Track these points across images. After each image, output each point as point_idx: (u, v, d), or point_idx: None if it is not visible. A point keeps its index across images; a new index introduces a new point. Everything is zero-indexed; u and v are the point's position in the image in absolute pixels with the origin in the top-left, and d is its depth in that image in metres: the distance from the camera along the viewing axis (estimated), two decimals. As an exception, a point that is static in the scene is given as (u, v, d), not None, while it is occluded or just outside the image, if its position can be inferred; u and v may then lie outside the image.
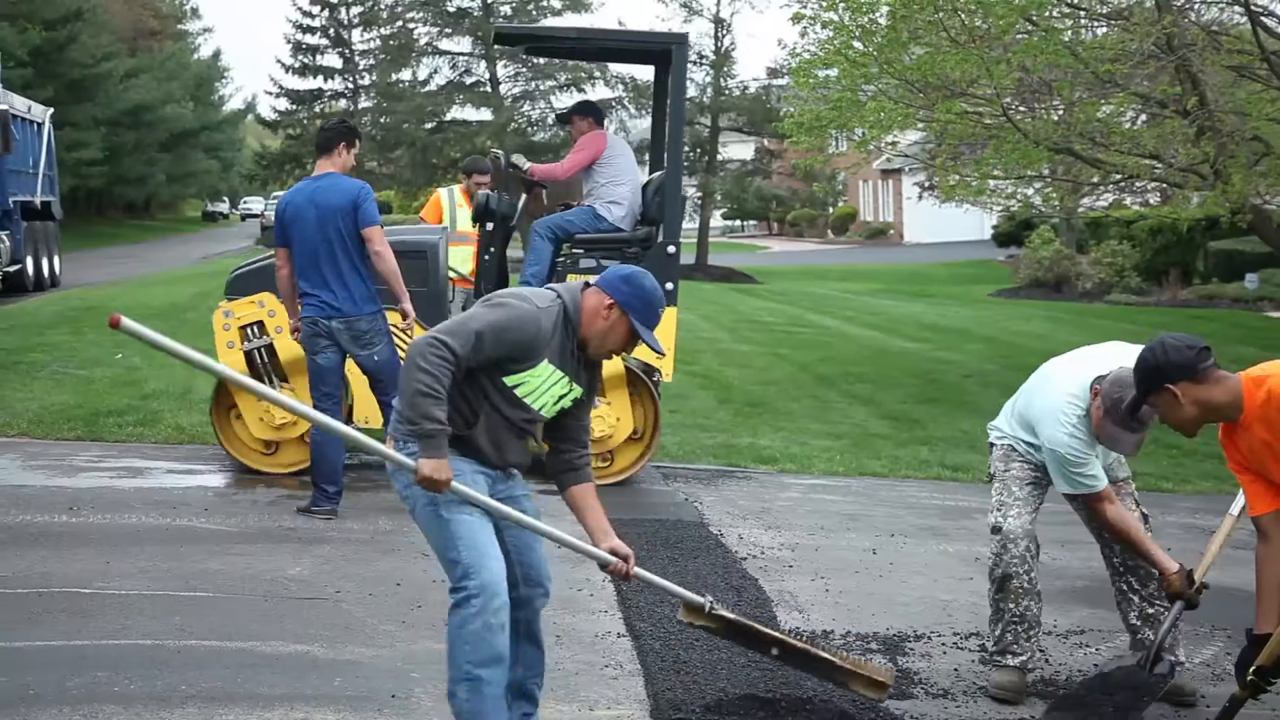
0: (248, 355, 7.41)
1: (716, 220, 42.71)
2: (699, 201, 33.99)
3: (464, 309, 9.12)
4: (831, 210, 55.28)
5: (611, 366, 7.12)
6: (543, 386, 3.65)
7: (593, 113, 8.60)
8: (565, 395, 3.72)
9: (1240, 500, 3.89)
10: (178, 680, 4.33)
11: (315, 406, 6.38)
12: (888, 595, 5.86)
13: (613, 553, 3.76)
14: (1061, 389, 4.39)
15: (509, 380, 3.61)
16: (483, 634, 3.52)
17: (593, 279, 3.77)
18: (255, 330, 7.42)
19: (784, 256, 43.15)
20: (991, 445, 4.82)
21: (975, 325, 19.34)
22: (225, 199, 72.25)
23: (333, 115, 43.51)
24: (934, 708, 4.47)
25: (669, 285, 7.53)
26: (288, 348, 7.23)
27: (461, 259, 8.91)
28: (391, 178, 41.90)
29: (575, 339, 3.68)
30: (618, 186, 8.05)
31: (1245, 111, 11.51)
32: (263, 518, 6.71)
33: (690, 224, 35.68)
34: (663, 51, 8.27)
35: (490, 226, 8.07)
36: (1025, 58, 10.84)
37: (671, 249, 7.84)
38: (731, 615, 4.14)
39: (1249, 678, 3.58)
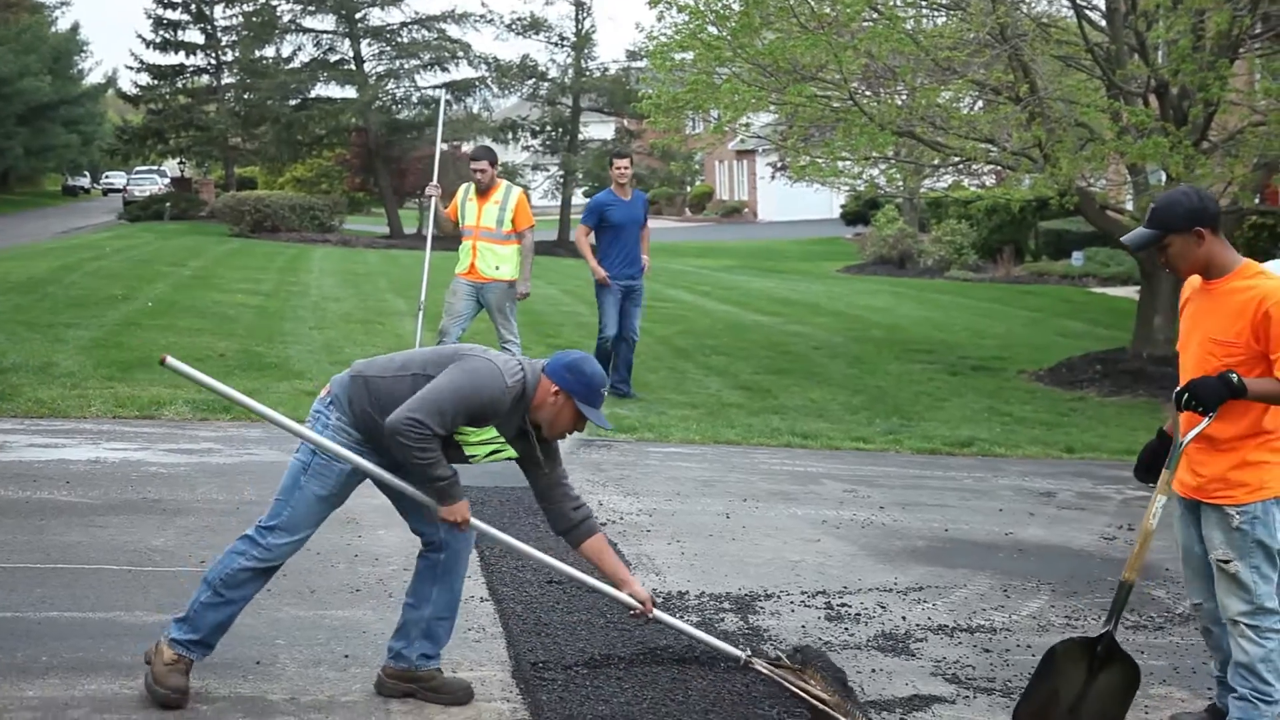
0: None
1: (578, 198, 42.84)
2: (561, 180, 34.01)
3: (453, 296, 9.21)
4: (689, 189, 55.83)
5: None
6: (481, 442, 4.02)
7: None
8: (499, 452, 4.06)
9: (1157, 508, 3.96)
10: (39, 651, 4.33)
11: None
12: (740, 557, 6.10)
13: (634, 597, 4.15)
14: None
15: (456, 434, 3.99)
16: (245, 571, 4.05)
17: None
18: None
19: (640, 233, 43.25)
20: None
21: (824, 300, 19.84)
22: (86, 174, 69.49)
23: (197, 89, 42.35)
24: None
25: None
26: None
27: (463, 251, 9.30)
28: (256, 154, 41.00)
29: (526, 416, 4.02)
30: None
31: (1072, 99, 12.12)
32: (125, 490, 6.64)
33: (553, 202, 35.68)
34: None
35: None
36: (871, 44, 11.20)
37: None
38: (765, 669, 4.24)
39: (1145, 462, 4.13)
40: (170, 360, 3.73)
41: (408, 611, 4.22)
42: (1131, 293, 17.82)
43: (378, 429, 3.95)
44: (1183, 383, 3.95)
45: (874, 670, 4.69)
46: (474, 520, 4.01)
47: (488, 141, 39.73)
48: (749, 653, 4.31)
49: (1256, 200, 13.41)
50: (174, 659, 4.02)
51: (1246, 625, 3.92)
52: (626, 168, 10.31)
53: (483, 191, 9.40)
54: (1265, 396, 3.80)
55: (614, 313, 10.18)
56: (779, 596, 5.50)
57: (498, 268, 9.41)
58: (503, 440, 4.02)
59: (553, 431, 4.06)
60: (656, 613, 4.18)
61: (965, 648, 5.00)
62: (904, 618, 5.32)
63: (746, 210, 51.62)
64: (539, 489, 4.16)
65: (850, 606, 5.42)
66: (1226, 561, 3.92)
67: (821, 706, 4.04)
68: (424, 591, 4.20)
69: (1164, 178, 11.53)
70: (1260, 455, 3.89)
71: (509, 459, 4.09)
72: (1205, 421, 3.83)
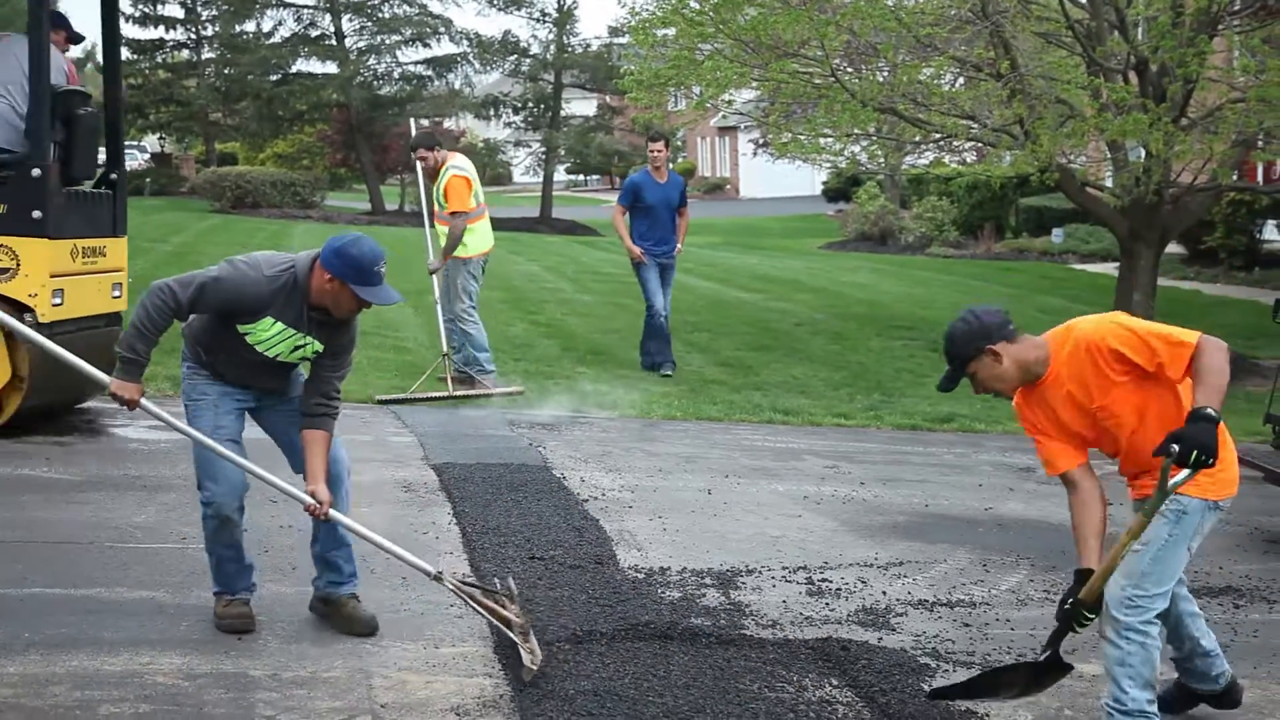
0: None
1: (560, 174, 42.69)
2: (543, 156, 33.91)
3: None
4: (671, 165, 55.72)
5: None
6: (272, 338, 4.29)
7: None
8: (302, 346, 4.35)
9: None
10: (20, 628, 4.33)
11: None
12: (721, 533, 6.13)
13: (313, 495, 4.34)
14: None
15: (240, 328, 4.27)
16: (209, 525, 4.44)
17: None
18: None
19: (623, 210, 43.16)
20: None
21: (806, 276, 19.86)
22: None
23: (177, 64, 41.98)
24: (765, 636, 4.74)
25: (36, 213, 6.86)
26: None
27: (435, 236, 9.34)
28: (237, 129, 40.70)
29: (307, 303, 4.26)
30: None
31: (1052, 76, 12.13)
32: (106, 466, 6.63)
33: (534, 178, 35.55)
34: None
35: None
36: (853, 20, 11.18)
37: (36, 172, 6.89)
38: (452, 586, 4.47)
39: (1066, 607, 3.79)
40: None
41: (311, 547, 4.65)
42: (1111, 269, 17.89)
43: (209, 355, 4.36)
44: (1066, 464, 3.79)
45: (855, 644, 4.73)
46: (144, 403, 4.25)
47: (468, 118, 39.65)
48: (438, 570, 4.51)
49: (1235, 177, 13.45)
50: (227, 601, 4.49)
51: (1114, 618, 3.72)
52: (661, 150, 10.53)
53: (430, 176, 9.55)
54: (1220, 391, 3.54)
55: (657, 287, 10.37)
56: (760, 572, 5.52)
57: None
58: (296, 333, 4.29)
59: (340, 314, 4.29)
60: (333, 513, 4.37)
61: (945, 622, 5.03)
62: (884, 592, 5.35)
63: (728, 187, 51.58)
64: (311, 374, 4.43)
65: (831, 581, 5.46)
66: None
67: (501, 626, 4.31)
68: (313, 529, 4.60)
69: (1143, 154, 11.56)
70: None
71: (315, 352, 4.36)
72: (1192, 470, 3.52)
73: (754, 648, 4.58)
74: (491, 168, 40.94)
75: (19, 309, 6.85)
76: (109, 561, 5.13)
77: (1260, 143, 12.85)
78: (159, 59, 42.45)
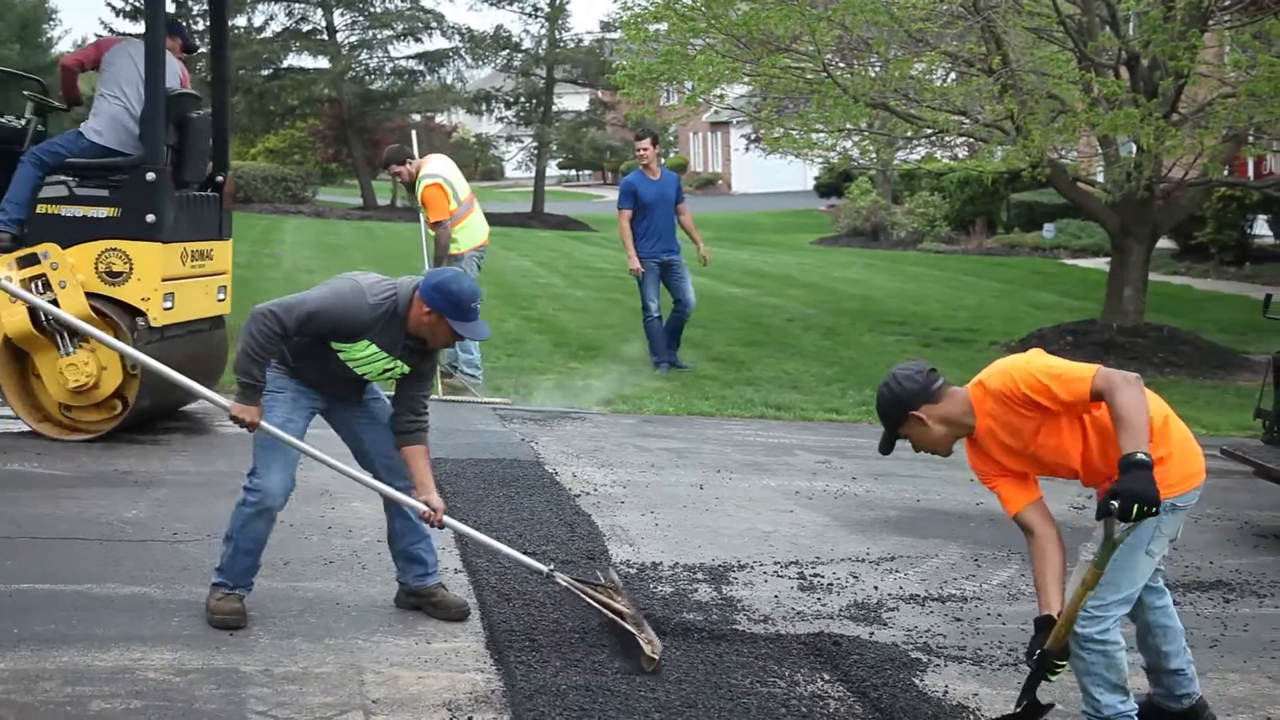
0: (32, 313, 6.74)
1: (552, 170, 42.67)
2: (535, 151, 33.87)
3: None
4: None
5: (78, 309, 6.56)
6: (365, 359, 4.43)
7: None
8: (391, 369, 4.50)
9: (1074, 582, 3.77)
10: (9, 624, 4.32)
11: None
12: (713, 528, 6.13)
13: (427, 504, 4.49)
14: None
15: (334, 345, 4.41)
16: (247, 515, 4.49)
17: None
18: (39, 285, 6.76)
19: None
20: None
21: (798, 271, 19.87)
22: None
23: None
24: (757, 631, 4.74)
25: (150, 217, 6.86)
26: (73, 304, 6.68)
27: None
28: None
29: (404, 331, 4.40)
30: (101, 99, 7.11)
31: (1044, 71, 12.15)
32: (97, 462, 6.62)
33: (526, 173, 35.46)
34: None
35: None
36: (844, 16, 11.19)
37: (151, 175, 6.89)
38: (566, 582, 4.60)
39: (1035, 659, 3.76)
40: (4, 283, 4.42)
41: (390, 546, 4.79)
42: (1102, 264, 17.92)
43: (295, 361, 4.47)
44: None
45: (846, 639, 4.73)
46: (264, 424, 4.38)
47: (460, 113, 39.55)
48: (551, 568, 4.69)
49: (1225, 172, 13.49)
50: (224, 595, 4.51)
51: (1073, 630, 3.68)
52: (648, 148, 10.47)
53: (409, 187, 9.57)
54: (1142, 429, 3.50)
55: (653, 292, 10.36)
56: (752, 567, 5.53)
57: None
58: (387, 356, 4.44)
59: (434, 343, 4.49)
60: (447, 519, 4.55)
61: (936, 617, 5.04)
62: (876, 587, 5.36)
63: (720, 182, 51.56)
64: (398, 396, 4.59)
65: (823, 577, 5.46)
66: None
67: (618, 620, 4.40)
68: (390, 526, 4.75)
69: (1134, 149, 11.58)
70: (1153, 454, 3.58)
71: (402, 374, 4.53)
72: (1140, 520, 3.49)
73: (746, 643, 4.58)
74: (483, 163, 40.93)
75: (131, 313, 6.91)
76: (100, 557, 5.12)
77: (1251, 138, 12.91)
78: (149, 53, 42.25)
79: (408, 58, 35.27)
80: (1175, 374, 11.43)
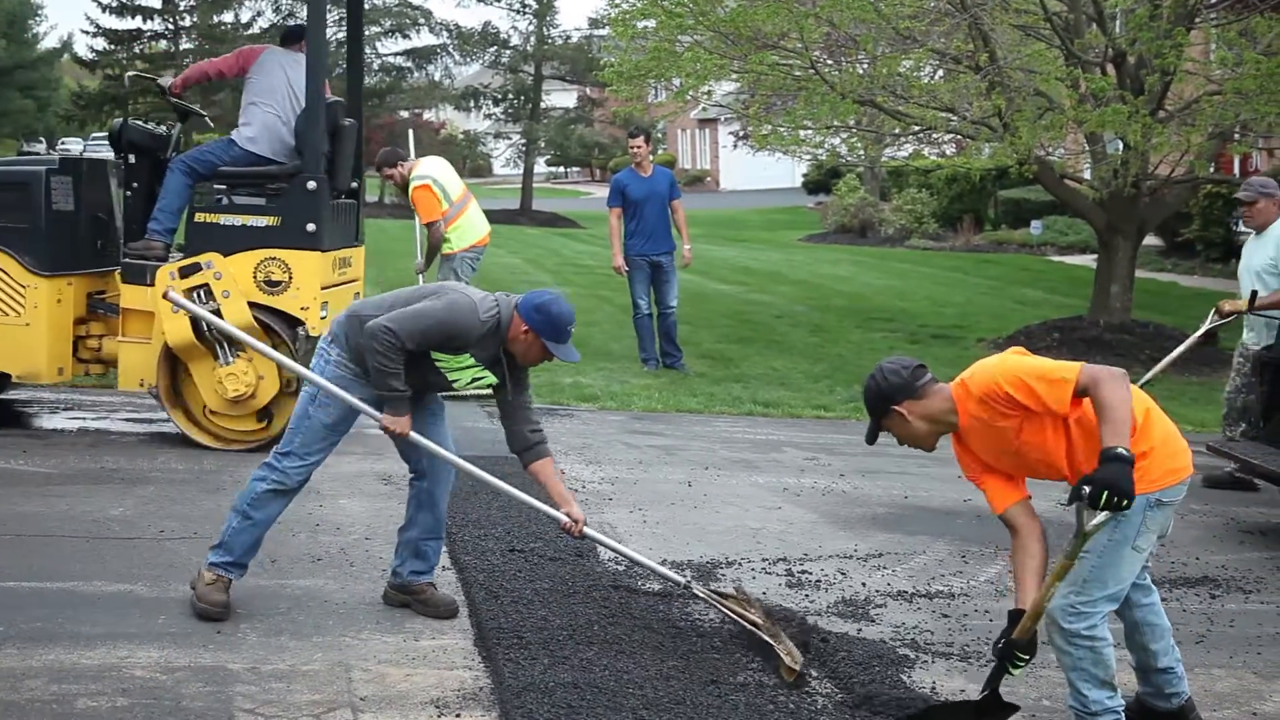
0: (194, 322, 6.61)
1: (541, 167, 42.62)
2: (524, 148, 33.83)
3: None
4: (651, 158, 55.64)
5: (240, 318, 6.62)
6: (461, 368, 4.53)
7: (285, 33, 7.77)
8: (480, 379, 4.59)
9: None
10: (-5, 622, 4.30)
11: None
12: (701, 525, 6.13)
13: (569, 515, 4.56)
14: None
15: (434, 355, 4.49)
16: (267, 493, 4.56)
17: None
18: (202, 295, 6.69)
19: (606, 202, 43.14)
20: None
21: (786, 268, 19.89)
22: (42, 140, 68.54)
23: (154, 55, 41.60)
24: (745, 627, 4.76)
25: (310, 226, 6.85)
26: (236, 313, 6.65)
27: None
28: (216, 120, 40.38)
29: (502, 346, 4.50)
30: (252, 108, 7.16)
31: (1031, 68, 12.18)
32: (83, 459, 6.60)
33: (515, 170, 35.40)
34: None
35: (132, 160, 7.26)
36: (832, 12, 11.20)
37: (312, 184, 6.87)
38: (704, 594, 4.67)
39: (1000, 647, 3.80)
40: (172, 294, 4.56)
41: (401, 534, 4.78)
42: (1089, 261, 17.97)
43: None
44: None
45: (834, 635, 4.73)
46: (414, 435, 4.50)
47: (448, 110, 39.49)
48: (690, 578, 4.74)
49: (1211, 169, 13.54)
50: (214, 579, 4.53)
51: (1060, 626, 3.71)
52: (639, 146, 10.46)
53: (402, 188, 9.59)
54: (1125, 424, 3.51)
55: (642, 290, 10.34)
56: (740, 564, 5.53)
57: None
58: (480, 367, 4.52)
59: (525, 361, 4.55)
60: (588, 530, 4.60)
61: (924, 613, 5.05)
62: (864, 584, 5.37)
63: (709, 179, 51.56)
64: (504, 410, 4.65)
65: (811, 573, 5.47)
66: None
67: (758, 633, 4.40)
68: (411, 515, 4.74)
69: (1121, 147, 11.62)
70: (1135, 449, 3.59)
71: (490, 385, 4.60)
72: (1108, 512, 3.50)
73: (733, 639, 4.58)
74: (472, 160, 40.85)
75: (289, 322, 6.86)
76: (86, 555, 5.11)
77: (1237, 135, 12.96)
78: (136, 49, 42.16)
79: (395, 54, 35.21)
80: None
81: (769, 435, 8.43)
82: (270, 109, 7.14)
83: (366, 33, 35.12)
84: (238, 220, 6.93)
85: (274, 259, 6.83)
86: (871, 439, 3.96)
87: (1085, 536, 3.57)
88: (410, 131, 11.35)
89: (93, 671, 3.99)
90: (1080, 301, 14.31)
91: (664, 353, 10.52)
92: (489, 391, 4.69)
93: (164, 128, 7.52)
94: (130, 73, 8.80)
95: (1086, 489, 3.44)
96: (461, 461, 4.68)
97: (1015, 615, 3.77)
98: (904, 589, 5.33)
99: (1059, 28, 11.33)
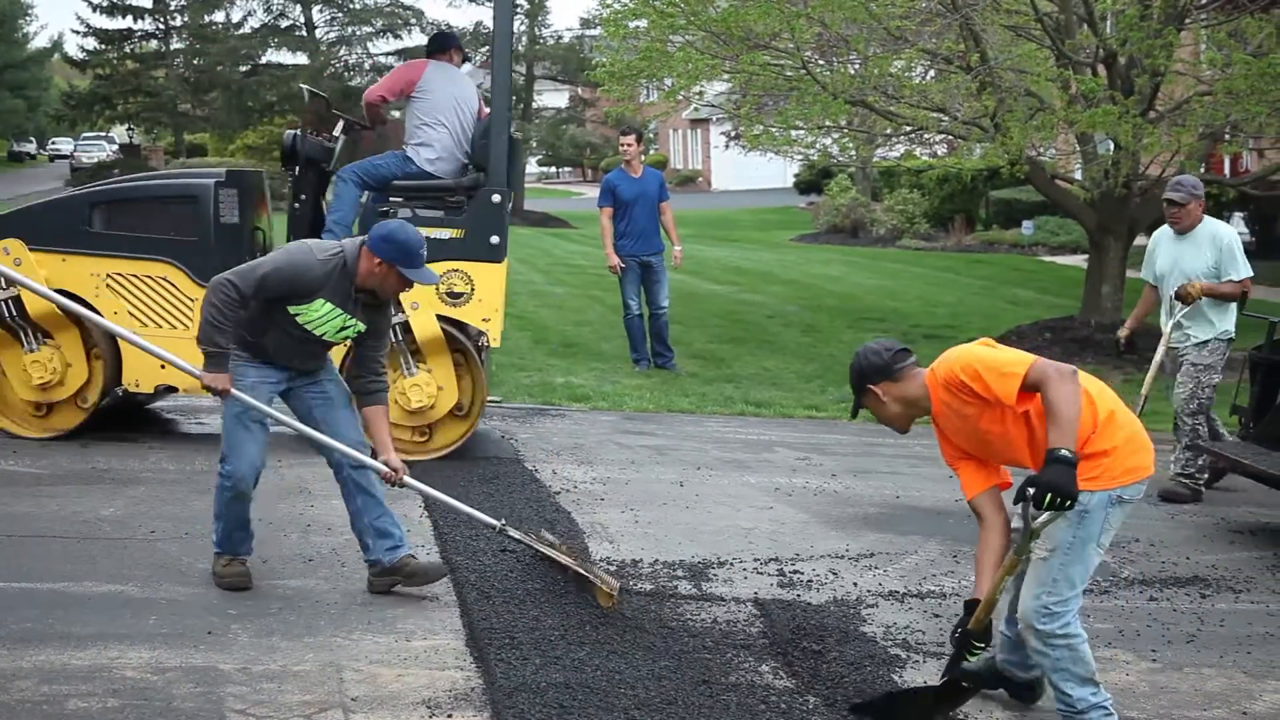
0: None
1: (532, 167, 42.67)
2: (515, 148, 33.82)
3: None
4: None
5: (428, 330, 6.79)
6: (321, 319, 4.62)
7: (434, 41, 7.96)
8: (347, 327, 4.69)
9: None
10: (-15, 623, 4.28)
11: None
12: (693, 525, 6.13)
13: (387, 464, 4.70)
14: None
15: (290, 309, 4.59)
16: (224, 497, 4.77)
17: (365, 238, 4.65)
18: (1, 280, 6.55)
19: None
20: None
21: (778, 268, 19.89)
22: (32, 140, 68.34)
23: (145, 54, 41.50)
24: (737, 627, 4.74)
25: (494, 238, 6.96)
26: (34, 301, 6.51)
27: None
28: (206, 120, 40.44)
29: (354, 286, 4.60)
30: (428, 127, 7.31)
31: (1022, 69, 12.20)
32: (74, 459, 6.58)
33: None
34: None
35: (298, 171, 7.43)
36: (823, 13, 11.21)
37: (496, 198, 7.02)
38: (519, 536, 4.98)
39: (956, 637, 3.94)
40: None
41: (354, 528, 4.91)
42: (1080, 261, 17.99)
43: (254, 334, 4.64)
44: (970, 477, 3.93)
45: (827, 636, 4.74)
46: (235, 391, 4.60)
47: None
48: (503, 522, 4.96)
49: (1202, 170, 13.56)
50: (227, 560, 4.81)
51: (1036, 629, 3.78)
52: (632, 144, 10.41)
53: None
54: (1071, 424, 3.59)
55: (633, 291, 10.34)
56: (732, 564, 5.53)
57: None
58: (343, 314, 4.64)
59: (385, 293, 4.70)
60: (407, 479, 4.76)
61: (915, 613, 5.06)
62: (855, 584, 5.37)
63: (700, 179, 51.58)
64: (357, 356, 4.85)
65: (802, 573, 5.47)
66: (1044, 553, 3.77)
67: (574, 567, 4.76)
68: (351, 506, 4.87)
69: (1112, 147, 11.64)
70: (1097, 446, 3.74)
71: (359, 332, 4.72)
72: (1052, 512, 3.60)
73: (725, 639, 4.58)
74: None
75: (464, 332, 6.98)
76: (77, 555, 5.09)
77: (1227, 136, 12.98)
78: (127, 49, 42.12)
79: (387, 54, 35.21)
80: (1152, 370, 11.48)
81: (761, 435, 8.43)
82: (444, 128, 7.30)
83: (358, 32, 35.30)
84: (422, 233, 6.96)
85: (457, 271, 6.92)
86: (853, 414, 4.14)
87: (1034, 534, 3.68)
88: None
89: (83, 672, 3.98)
90: (1071, 301, 14.34)
91: (655, 353, 10.52)
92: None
93: (330, 140, 7.57)
94: (305, 85, 8.88)
95: (1031, 490, 3.56)
96: (286, 418, 4.84)
97: (970, 605, 3.91)
98: (895, 589, 5.34)
99: (1050, 28, 11.36)
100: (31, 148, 68.69)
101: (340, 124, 7.61)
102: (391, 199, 7.25)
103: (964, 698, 4.07)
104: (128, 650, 4.17)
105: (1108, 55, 11.35)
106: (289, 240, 7.34)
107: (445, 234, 6.95)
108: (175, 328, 6.83)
